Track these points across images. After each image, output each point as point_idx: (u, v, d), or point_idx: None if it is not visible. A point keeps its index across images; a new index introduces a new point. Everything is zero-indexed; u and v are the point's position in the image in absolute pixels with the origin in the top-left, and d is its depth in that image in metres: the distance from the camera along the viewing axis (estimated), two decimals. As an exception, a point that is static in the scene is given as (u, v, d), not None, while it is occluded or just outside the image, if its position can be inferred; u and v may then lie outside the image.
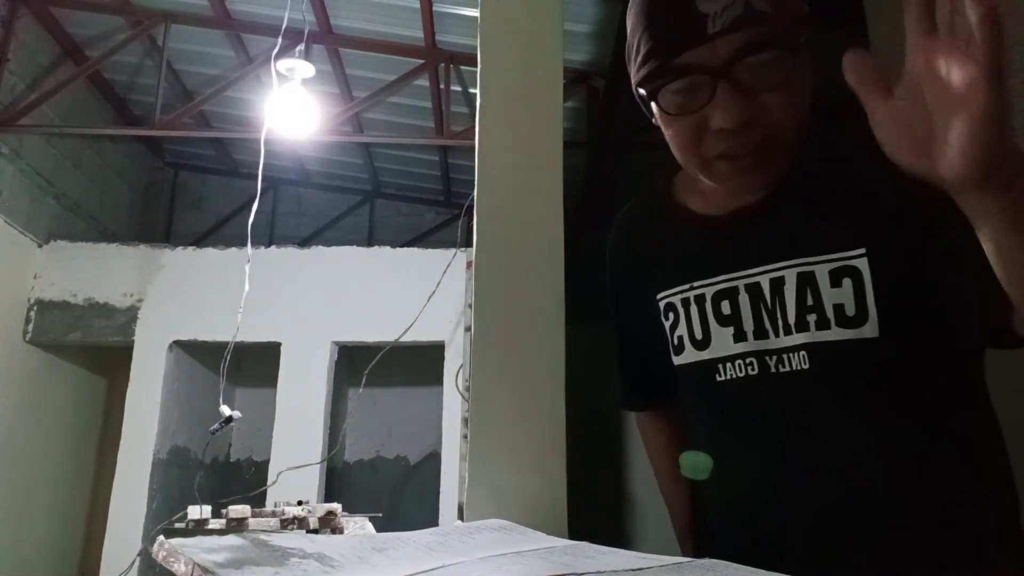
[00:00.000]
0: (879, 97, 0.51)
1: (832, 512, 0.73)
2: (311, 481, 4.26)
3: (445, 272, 3.74)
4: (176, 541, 0.60)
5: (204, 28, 4.32)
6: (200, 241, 5.78)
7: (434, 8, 3.76)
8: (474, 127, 1.12)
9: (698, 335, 0.81)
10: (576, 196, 4.67)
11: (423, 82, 4.35)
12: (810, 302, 0.72)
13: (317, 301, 4.61)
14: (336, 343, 4.67)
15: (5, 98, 4.24)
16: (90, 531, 5.01)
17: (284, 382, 4.57)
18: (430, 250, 4.75)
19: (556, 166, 1.07)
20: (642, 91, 0.75)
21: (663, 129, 0.76)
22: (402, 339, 3.35)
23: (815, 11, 0.72)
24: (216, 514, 1.69)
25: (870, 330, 0.70)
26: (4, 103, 4.21)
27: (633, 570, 0.58)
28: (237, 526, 1.60)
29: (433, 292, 3.58)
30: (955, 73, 0.45)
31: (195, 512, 1.68)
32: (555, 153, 1.08)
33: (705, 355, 0.80)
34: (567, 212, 1.06)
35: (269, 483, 3.05)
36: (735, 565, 0.59)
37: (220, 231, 6.08)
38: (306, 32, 3.71)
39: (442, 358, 4.46)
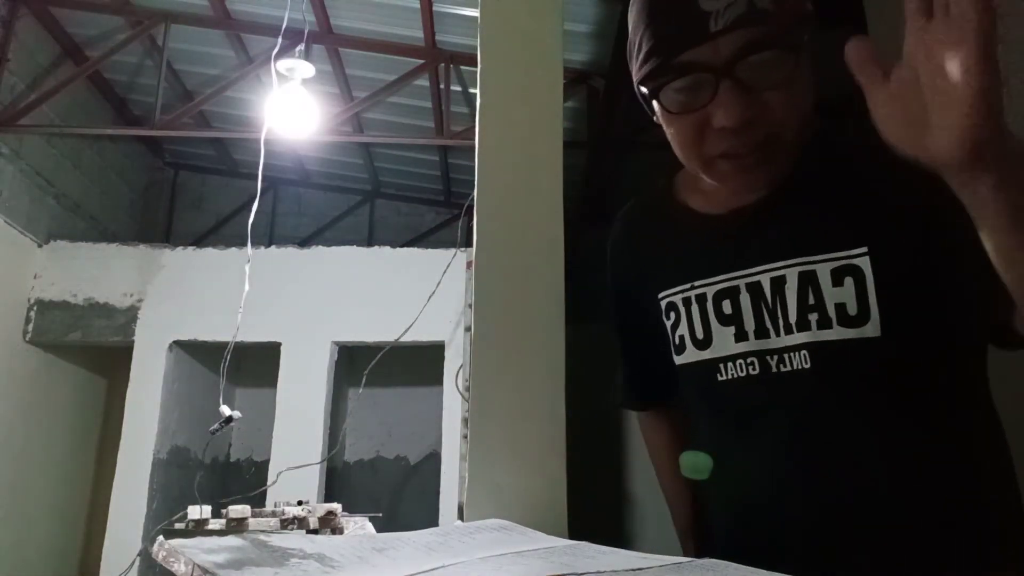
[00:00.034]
0: (877, 81, 0.52)
1: (833, 512, 0.73)
2: (311, 481, 4.26)
3: (445, 272, 3.74)
4: (176, 542, 0.60)
5: (204, 28, 4.32)
6: (200, 241, 5.78)
7: (434, 8, 3.76)
8: (474, 127, 1.12)
9: (699, 334, 0.81)
10: (576, 196, 4.67)
11: (423, 82, 4.35)
12: (811, 301, 0.72)
13: (317, 301, 4.61)
14: (336, 343, 4.67)
15: (5, 98, 4.23)
16: (90, 531, 5.01)
17: (284, 382, 4.57)
18: (430, 250, 4.75)
19: (556, 166, 1.07)
20: (644, 89, 0.75)
21: (664, 127, 0.76)
22: (402, 339, 3.35)
23: (817, 10, 0.72)
24: (216, 514, 1.68)
25: (872, 329, 0.69)
26: (4, 103, 4.21)
27: (633, 570, 0.58)
28: (237, 526, 1.60)
29: (433, 292, 3.58)
30: (948, 55, 0.46)
31: (195, 512, 1.68)
32: (555, 153, 1.07)
33: (706, 355, 0.80)
34: (567, 212, 1.06)
35: (269, 483, 3.05)
36: (735, 565, 0.59)
37: (220, 231, 6.08)
38: (306, 32, 3.71)
39: (442, 358, 4.46)
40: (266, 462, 4.54)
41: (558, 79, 1.11)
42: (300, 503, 1.77)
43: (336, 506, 1.72)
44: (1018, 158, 0.49)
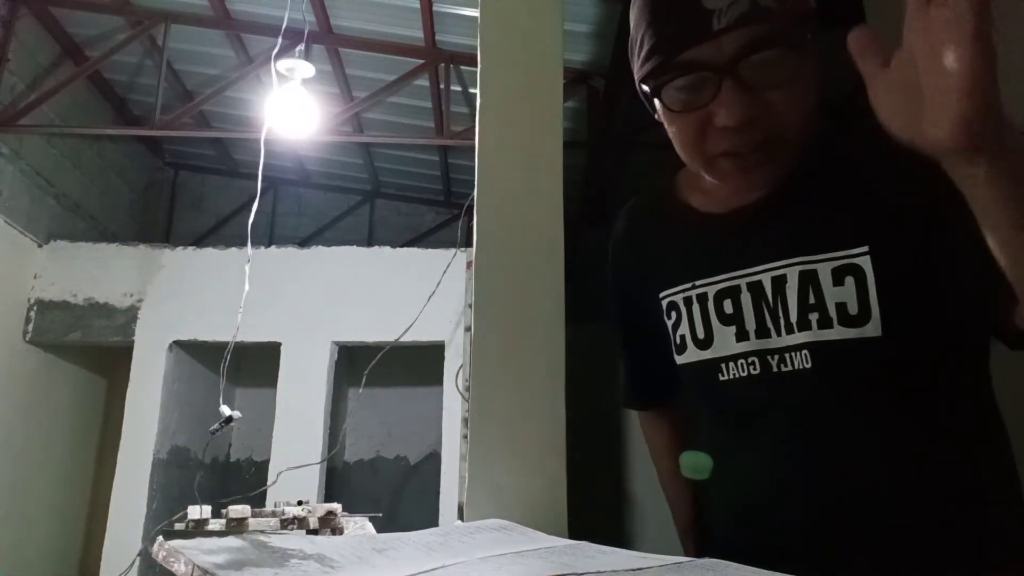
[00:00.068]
0: (877, 68, 0.52)
1: (833, 512, 0.73)
2: (311, 481, 4.26)
3: (445, 272, 3.74)
4: (176, 542, 0.60)
5: (204, 28, 4.32)
6: (200, 241, 5.78)
7: (434, 8, 3.76)
8: (474, 127, 1.12)
9: (700, 334, 0.80)
10: (576, 196, 4.67)
11: (423, 82, 4.35)
12: (812, 301, 0.72)
13: (317, 301, 4.61)
14: (336, 343, 4.67)
15: (5, 98, 4.23)
16: (90, 531, 5.01)
17: (284, 382, 4.57)
18: (430, 250, 4.75)
19: (556, 166, 1.07)
20: (645, 87, 0.74)
21: (666, 126, 0.76)
22: (402, 339, 3.35)
23: (820, 8, 0.72)
24: (216, 514, 1.68)
25: (873, 329, 0.69)
26: (4, 103, 4.21)
27: (633, 570, 0.58)
28: (237, 526, 1.60)
29: (433, 292, 3.58)
30: (945, 39, 0.46)
31: (195, 512, 1.68)
32: (555, 153, 1.07)
33: (707, 354, 0.80)
34: (567, 212, 1.06)
35: (269, 483, 3.05)
36: (735, 564, 0.59)
37: (220, 231, 6.08)
38: (306, 32, 3.71)
39: (442, 358, 4.46)
40: (266, 462, 4.54)
41: (558, 79, 1.11)
42: (300, 503, 1.77)
43: (336, 506, 1.72)
44: (1015, 144, 0.50)
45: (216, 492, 4.72)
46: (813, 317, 0.72)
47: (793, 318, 0.73)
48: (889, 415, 0.72)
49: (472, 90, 4.26)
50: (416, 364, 4.80)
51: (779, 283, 0.74)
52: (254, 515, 1.64)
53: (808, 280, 0.73)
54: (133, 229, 5.79)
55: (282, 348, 4.59)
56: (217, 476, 5.40)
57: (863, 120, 0.75)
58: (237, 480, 5.41)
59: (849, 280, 0.70)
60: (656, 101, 0.74)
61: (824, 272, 0.72)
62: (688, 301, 0.82)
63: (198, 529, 1.64)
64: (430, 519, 4.09)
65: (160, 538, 0.61)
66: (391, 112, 4.77)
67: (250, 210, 2.62)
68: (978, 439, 0.73)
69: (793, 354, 0.73)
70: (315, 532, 1.63)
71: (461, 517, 1.14)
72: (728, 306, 0.78)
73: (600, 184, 4.52)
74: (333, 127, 4.33)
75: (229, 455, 5.68)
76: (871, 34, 0.53)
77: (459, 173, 5.63)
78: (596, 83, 4.00)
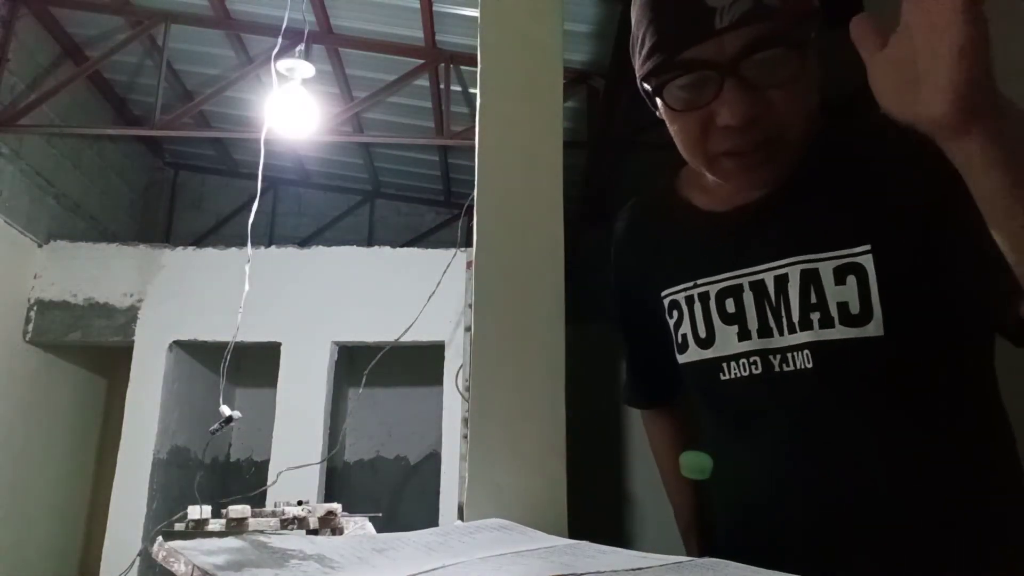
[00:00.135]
0: (875, 49, 0.53)
1: (834, 512, 0.73)
2: (311, 481, 4.26)
3: (445, 272, 3.74)
4: (175, 543, 0.60)
5: (204, 28, 4.32)
6: (200, 241, 5.78)
7: (434, 8, 3.76)
8: (474, 127, 1.11)
9: (702, 333, 0.80)
10: (576, 196, 4.67)
11: (423, 82, 4.34)
12: (814, 300, 0.72)
13: (317, 301, 4.61)
14: (336, 343, 4.67)
15: (5, 98, 4.23)
16: (90, 531, 5.01)
17: (284, 382, 4.57)
18: (430, 250, 4.75)
19: (556, 166, 1.07)
20: (647, 86, 0.74)
21: (668, 124, 0.75)
22: (402, 339, 3.35)
23: (824, 7, 0.72)
24: (216, 514, 1.68)
25: (874, 328, 0.69)
26: (4, 103, 4.21)
27: (633, 570, 0.58)
28: (237, 526, 1.60)
29: (433, 292, 3.58)
30: (938, 13, 0.47)
31: (195, 512, 1.68)
32: (555, 153, 1.07)
33: (709, 354, 0.80)
34: (567, 212, 1.06)
35: (269, 483, 3.05)
36: (735, 564, 0.59)
37: (220, 231, 6.08)
38: (306, 32, 3.71)
39: (442, 358, 4.46)
40: (266, 462, 4.54)
41: (558, 79, 1.11)
42: (300, 503, 1.77)
43: (336, 506, 1.72)
44: (1009, 118, 0.50)
45: (216, 492, 4.72)
46: (815, 317, 0.72)
47: (795, 317, 0.73)
48: (890, 415, 0.72)
49: (472, 90, 4.26)
50: (416, 364, 4.80)
51: (781, 282, 0.74)
52: (254, 515, 1.64)
53: (810, 279, 0.72)
54: (133, 229, 5.79)
55: (282, 348, 4.59)
56: (217, 476, 5.40)
57: (865, 119, 0.75)
58: (237, 480, 5.41)
59: (851, 279, 0.70)
60: (658, 100, 0.74)
61: (826, 271, 0.72)
62: (690, 300, 0.82)
63: (198, 529, 1.64)
64: (430, 519, 4.09)
65: (160, 538, 0.61)
66: (391, 112, 4.77)
67: (250, 210, 2.62)
68: (979, 439, 0.73)
69: (795, 354, 0.73)
70: (315, 532, 1.63)
71: (461, 517, 1.13)
72: (730, 305, 0.78)
73: (600, 184, 4.52)
74: (333, 127, 4.33)
75: (229, 455, 5.68)
76: (871, 20, 0.53)
77: (459, 173, 5.63)
78: (596, 83, 4.00)
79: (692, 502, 1.01)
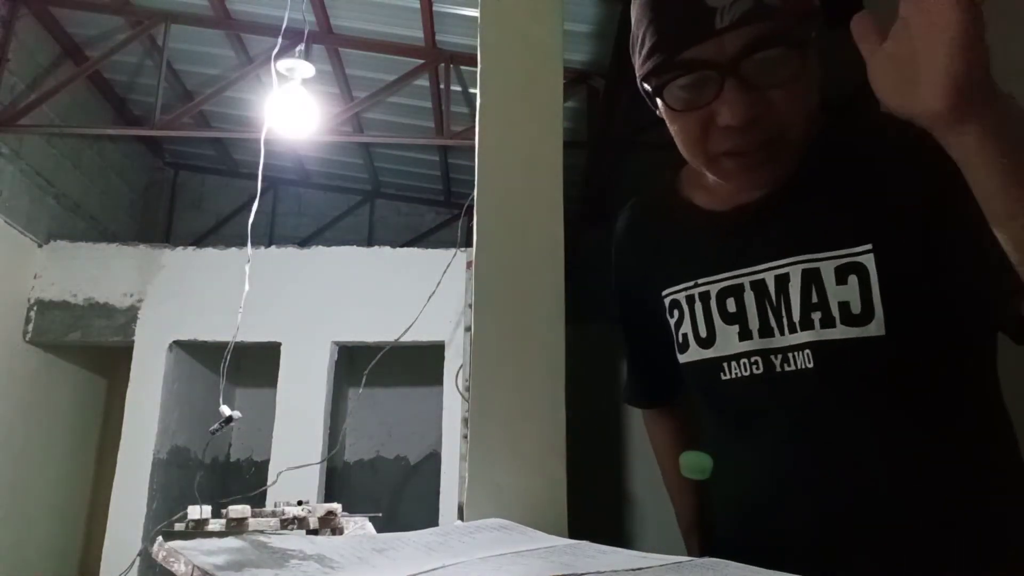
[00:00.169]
0: (874, 45, 0.53)
1: (834, 512, 0.73)
2: (311, 481, 4.26)
3: (445, 272, 3.74)
4: (175, 543, 0.60)
5: (204, 28, 4.32)
6: (200, 241, 5.78)
7: (434, 8, 3.76)
8: (474, 127, 1.11)
9: (703, 333, 0.80)
10: (576, 196, 4.67)
11: (423, 82, 4.34)
12: (815, 299, 0.72)
13: (317, 301, 4.61)
14: (336, 343, 4.67)
15: (5, 98, 4.23)
16: (90, 531, 5.01)
17: (284, 382, 4.57)
18: (430, 250, 4.75)
19: (556, 166, 1.07)
20: (647, 86, 0.74)
21: (668, 124, 0.75)
22: (402, 339, 3.35)
23: (824, 6, 0.72)
24: (216, 514, 1.68)
25: (876, 328, 0.69)
26: (4, 103, 4.21)
27: (633, 570, 0.58)
28: (237, 526, 1.60)
29: (433, 292, 3.58)
30: (935, 8, 0.48)
31: (195, 512, 1.68)
32: (555, 153, 1.07)
33: (710, 353, 0.80)
34: (567, 212, 1.06)
35: (269, 483, 3.05)
36: (735, 564, 0.59)
37: (220, 231, 6.08)
38: (306, 32, 3.71)
39: (442, 358, 4.46)
40: (266, 462, 4.53)
41: (558, 79, 1.11)
42: (300, 503, 1.77)
43: (336, 506, 1.72)
44: (1007, 112, 0.50)
45: (216, 492, 4.72)
46: (816, 316, 0.72)
47: (796, 317, 0.73)
48: (890, 415, 0.72)
49: (472, 90, 4.26)
50: (416, 364, 4.80)
51: (782, 282, 0.74)
52: (254, 515, 1.64)
53: (811, 279, 0.72)
54: (133, 229, 5.79)
55: (282, 348, 4.58)
56: (217, 476, 5.40)
57: (865, 118, 0.75)
58: (237, 480, 5.41)
59: (852, 279, 0.70)
60: (658, 100, 0.73)
61: (827, 270, 0.71)
62: (691, 299, 0.82)
63: (198, 529, 1.64)
64: (430, 519, 4.09)
65: (160, 538, 0.61)
66: (391, 112, 4.77)
67: (250, 210, 2.62)
68: (980, 439, 0.73)
69: (795, 353, 0.73)
70: (315, 532, 1.63)
71: (461, 517, 1.13)
72: (731, 305, 0.78)
73: (600, 184, 4.52)
74: (333, 127, 4.33)
75: (229, 455, 5.68)
76: (871, 18, 0.54)
77: (459, 173, 5.63)
78: (596, 83, 4.00)
79: (693, 502, 1.01)
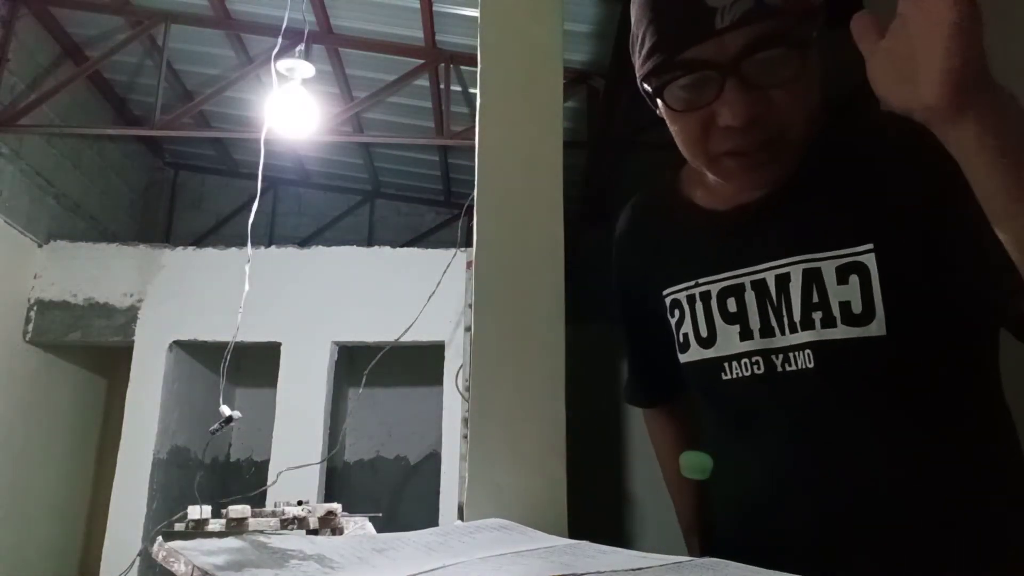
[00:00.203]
0: (874, 42, 0.53)
1: (834, 512, 0.73)
2: (311, 481, 4.26)
3: (445, 272, 3.74)
4: (175, 543, 0.60)
5: (204, 28, 4.32)
6: (200, 241, 5.78)
7: (434, 8, 3.76)
8: (474, 127, 1.11)
9: (703, 333, 0.80)
10: (576, 196, 4.67)
11: (423, 82, 4.35)
12: (816, 299, 0.72)
13: (317, 301, 4.61)
14: (336, 343, 4.67)
15: (5, 98, 4.23)
16: (90, 531, 5.01)
17: (284, 382, 4.57)
18: (430, 250, 4.75)
19: (556, 166, 1.07)
20: (647, 86, 0.73)
21: (668, 124, 0.75)
22: (402, 339, 3.35)
23: (825, 5, 0.71)
24: (216, 514, 1.68)
25: (876, 328, 0.69)
26: (4, 103, 4.21)
27: (633, 570, 0.58)
28: (237, 526, 1.60)
29: (433, 292, 3.58)
30: (932, 3, 0.48)
31: (195, 512, 1.68)
32: (555, 153, 1.07)
33: (710, 353, 0.79)
34: (567, 212, 1.06)
35: (269, 483, 3.05)
36: (735, 564, 0.59)
37: (220, 231, 6.08)
38: (306, 32, 3.71)
39: (442, 358, 4.46)
40: (266, 462, 4.54)
41: (558, 79, 1.11)
42: (300, 503, 1.77)
43: (336, 506, 1.72)
44: (1005, 107, 0.50)
45: (216, 492, 4.71)
46: (816, 316, 0.71)
47: (797, 317, 0.73)
48: (891, 415, 0.72)
49: (472, 90, 4.26)
50: (416, 364, 4.80)
51: (783, 281, 0.74)
52: (254, 515, 1.64)
53: (812, 278, 0.72)
54: (133, 229, 5.79)
55: (282, 348, 4.59)
56: (217, 476, 5.40)
57: (866, 118, 0.75)
58: (237, 480, 5.41)
59: (853, 278, 0.70)
60: (658, 100, 0.73)
61: (828, 270, 0.71)
62: (691, 299, 0.82)
63: (198, 529, 1.64)
64: (430, 519, 4.09)
65: (160, 538, 0.61)
66: (391, 112, 4.77)
67: (250, 210, 2.62)
68: (981, 439, 0.73)
69: (796, 353, 0.73)
70: (315, 532, 1.63)
71: (461, 517, 1.13)
72: (732, 304, 0.78)
73: (600, 184, 4.52)
74: (333, 127, 4.33)
75: (229, 455, 5.68)
76: (871, 17, 0.54)
77: (459, 173, 5.63)
78: (596, 83, 4.00)
79: (694, 502, 1.01)
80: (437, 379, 4.49)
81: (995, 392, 0.75)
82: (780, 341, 0.74)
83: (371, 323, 4.39)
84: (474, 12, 1.69)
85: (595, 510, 1.76)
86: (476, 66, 1.13)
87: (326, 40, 4.17)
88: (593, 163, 4.35)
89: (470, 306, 1.10)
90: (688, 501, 1.02)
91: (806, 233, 0.74)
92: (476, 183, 1.07)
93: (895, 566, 0.70)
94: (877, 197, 0.71)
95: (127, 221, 5.77)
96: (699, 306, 0.81)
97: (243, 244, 2.79)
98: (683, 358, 0.84)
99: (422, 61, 4.17)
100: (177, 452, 4.70)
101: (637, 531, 4.08)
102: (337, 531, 1.66)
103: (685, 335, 0.82)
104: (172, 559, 0.58)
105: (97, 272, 4.63)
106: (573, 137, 4.23)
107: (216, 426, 2.29)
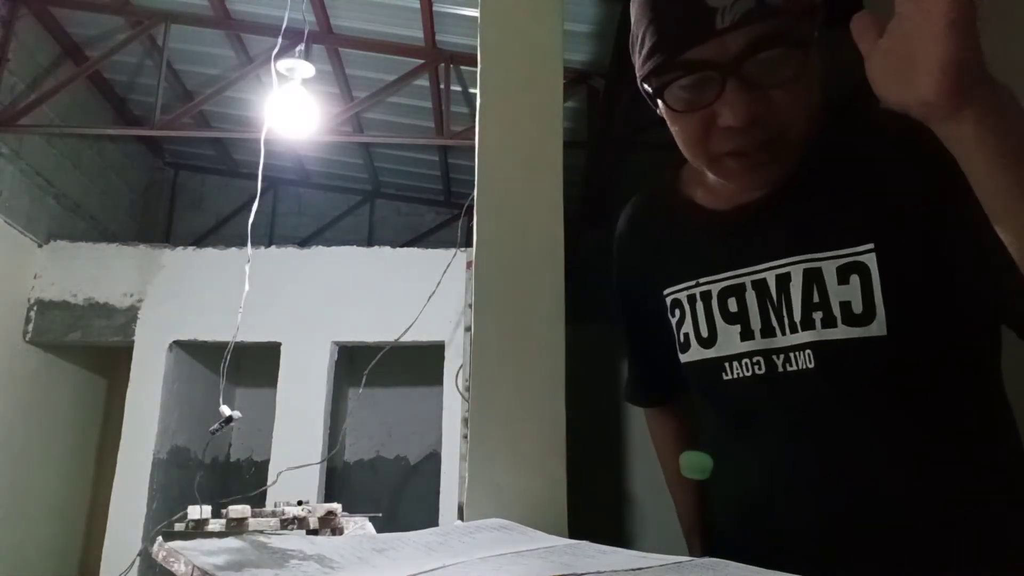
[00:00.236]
0: (872, 41, 0.54)
1: (835, 512, 0.73)
2: (311, 481, 4.26)
3: (445, 272, 3.74)
4: (175, 543, 0.60)
5: (204, 28, 4.32)
6: (200, 241, 5.79)
7: (434, 8, 3.76)
8: (474, 127, 1.11)
9: (704, 332, 0.80)
10: (576, 196, 4.67)
11: (423, 82, 4.35)
12: (816, 299, 0.72)
13: (317, 301, 4.61)
14: (336, 343, 4.67)
15: (5, 98, 4.23)
16: (90, 531, 5.01)
17: (284, 382, 4.57)
18: (430, 250, 4.75)
19: (556, 166, 1.07)
20: (647, 87, 0.73)
21: (669, 125, 0.75)
22: (402, 339, 3.35)
23: (826, 4, 0.71)
24: (216, 514, 1.68)
25: (877, 328, 0.69)
26: (4, 103, 4.21)
27: (633, 570, 0.58)
28: (237, 526, 1.60)
29: (433, 292, 3.58)
30: (929, 0, 0.48)
31: (195, 512, 1.68)
32: (555, 153, 1.07)
33: (711, 353, 0.79)
34: (567, 212, 1.06)
35: (269, 483, 3.05)
36: (735, 564, 0.59)
37: (220, 231, 6.08)
38: (306, 32, 3.71)
39: (442, 358, 4.46)
40: (266, 462, 4.54)
41: (558, 79, 1.11)
42: (300, 503, 1.77)
43: (336, 506, 1.72)
44: (1004, 103, 0.50)
45: (216, 492, 4.71)
46: (817, 316, 0.71)
47: (797, 317, 0.73)
48: (891, 415, 0.72)
49: (472, 90, 4.26)
50: (416, 364, 4.80)
51: (784, 281, 0.74)
52: (254, 515, 1.64)
53: (813, 278, 0.72)
54: (133, 229, 5.79)
55: (282, 348, 4.59)
56: (217, 476, 5.40)
57: (866, 117, 0.75)
58: (237, 480, 5.41)
59: (854, 278, 0.70)
60: (659, 100, 0.73)
61: (829, 270, 0.71)
62: (692, 299, 0.82)
63: (198, 529, 1.64)
64: (430, 519, 4.09)
65: (160, 538, 0.61)
66: (391, 112, 4.77)
67: (250, 210, 2.62)
68: (982, 439, 0.73)
69: (797, 354, 0.73)
70: (315, 532, 1.63)
71: (461, 517, 1.13)
72: (732, 304, 0.78)
73: (600, 184, 4.52)
74: (333, 127, 4.33)
75: (229, 455, 5.68)
76: (871, 16, 0.54)
77: (459, 173, 5.63)
78: (596, 83, 4.00)
79: (695, 502, 1.01)
80: (437, 379, 4.49)
81: (996, 392, 0.74)
82: (781, 341, 0.74)
83: (371, 323, 4.39)
84: (474, 12, 1.69)
85: (595, 510, 1.76)
86: (476, 66, 1.13)
87: (326, 40, 4.17)
88: (593, 163, 4.35)
89: (470, 306, 1.10)
90: (689, 501, 1.02)
91: (807, 233, 0.74)
92: (476, 183, 1.07)
93: (895, 566, 0.70)
94: (877, 197, 0.71)
95: (127, 221, 5.77)
96: (700, 306, 0.81)
97: (243, 244, 2.79)
98: (684, 358, 0.84)
99: (422, 61, 4.17)
100: (177, 452, 4.70)
101: (637, 531, 4.08)
102: (337, 531, 1.66)
103: (686, 335, 0.82)
104: (172, 559, 0.58)
105: (97, 272, 4.63)
106: (573, 137, 4.23)
107: (216, 426, 2.29)
